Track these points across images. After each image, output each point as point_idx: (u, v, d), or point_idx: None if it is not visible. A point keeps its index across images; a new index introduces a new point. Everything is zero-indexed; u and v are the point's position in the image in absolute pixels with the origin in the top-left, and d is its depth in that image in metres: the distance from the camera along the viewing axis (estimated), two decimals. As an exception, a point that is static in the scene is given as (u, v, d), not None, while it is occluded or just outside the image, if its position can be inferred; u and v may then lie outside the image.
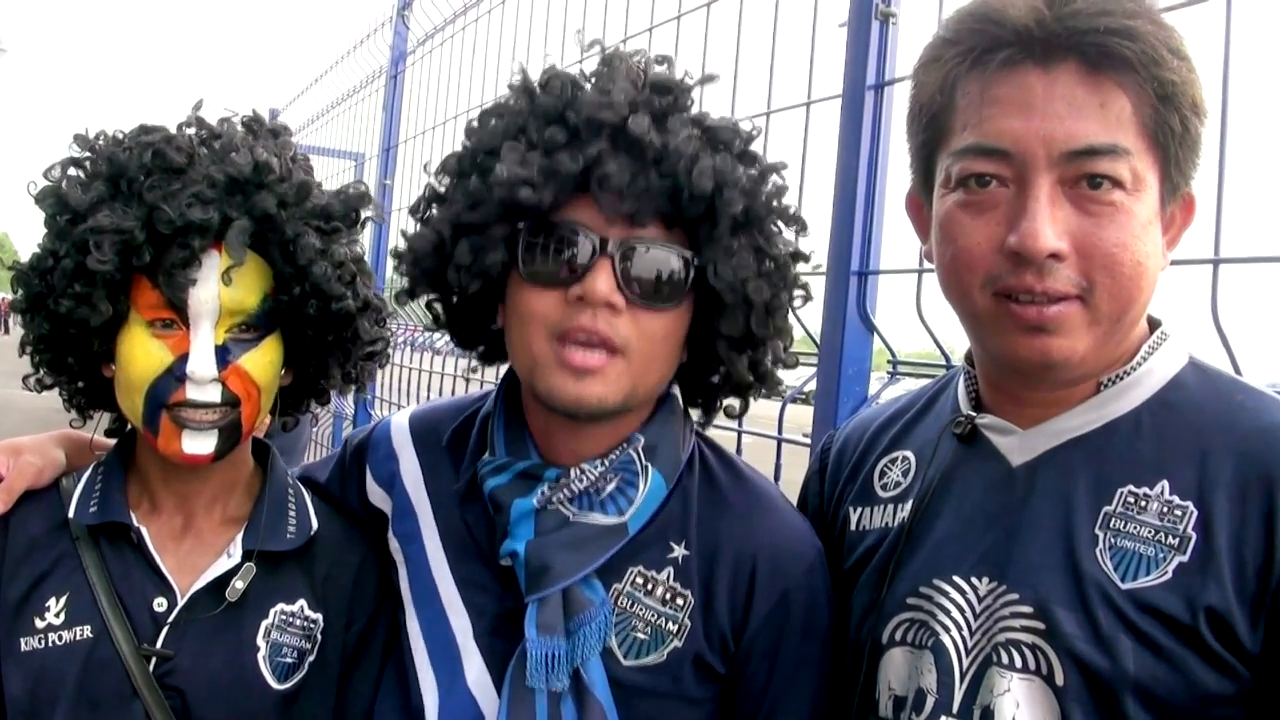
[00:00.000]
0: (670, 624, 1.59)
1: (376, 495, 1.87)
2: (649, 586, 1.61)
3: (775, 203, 1.62)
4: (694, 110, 1.60)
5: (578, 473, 1.60)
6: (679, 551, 1.63)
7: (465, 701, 1.61)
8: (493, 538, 1.64)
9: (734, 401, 1.78)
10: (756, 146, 1.63)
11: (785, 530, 1.69)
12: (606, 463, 1.62)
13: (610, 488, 1.61)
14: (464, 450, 1.78)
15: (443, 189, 1.67)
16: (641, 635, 1.59)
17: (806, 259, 1.70)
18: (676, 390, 1.75)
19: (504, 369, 1.77)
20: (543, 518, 1.59)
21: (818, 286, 2.48)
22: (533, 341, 1.54)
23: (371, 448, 1.91)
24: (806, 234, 1.71)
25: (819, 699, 1.66)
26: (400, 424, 1.90)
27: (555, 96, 1.55)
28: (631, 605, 1.60)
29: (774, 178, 1.62)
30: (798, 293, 1.70)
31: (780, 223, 1.64)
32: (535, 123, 1.55)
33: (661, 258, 1.54)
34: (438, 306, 1.77)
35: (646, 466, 1.63)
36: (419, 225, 1.69)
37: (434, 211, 1.68)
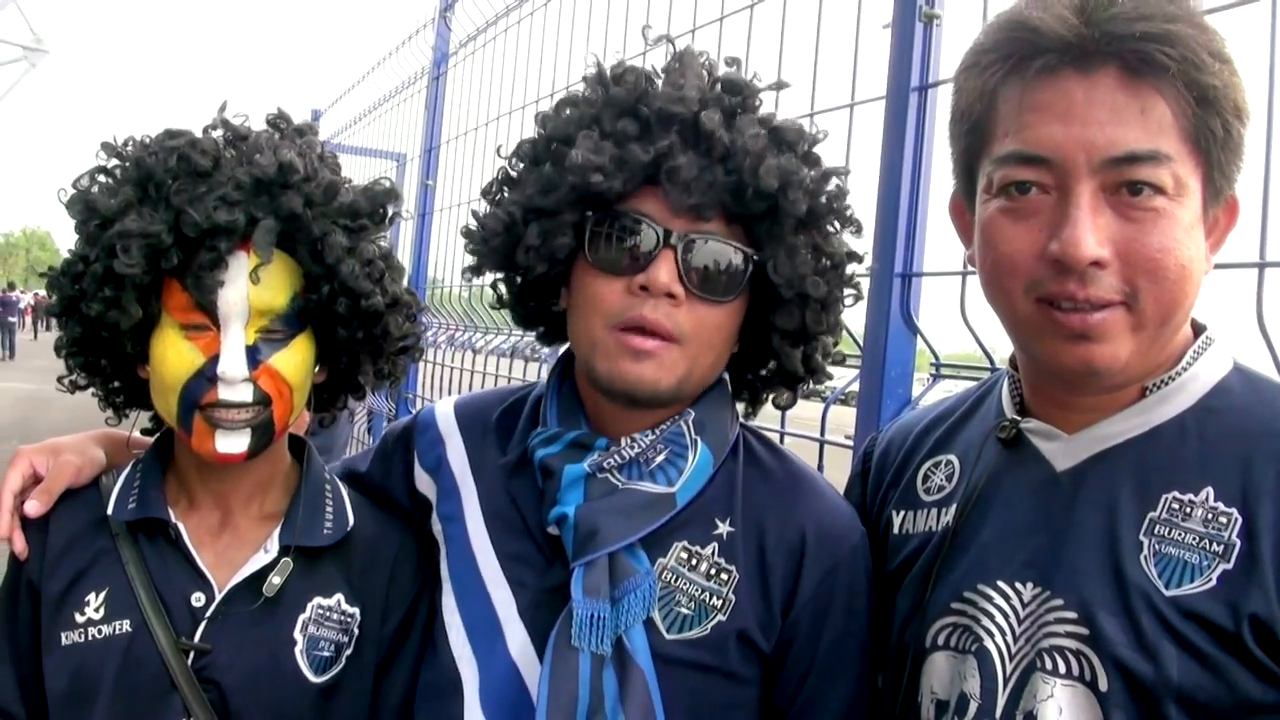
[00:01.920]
0: (714, 599, 1.61)
1: (423, 482, 1.90)
2: (693, 561, 1.63)
3: (836, 204, 1.67)
4: (761, 111, 1.65)
5: (628, 441, 1.65)
6: (724, 528, 1.65)
7: (507, 672, 1.63)
8: (540, 510, 1.67)
9: (782, 392, 1.81)
10: (819, 149, 1.68)
11: (831, 509, 1.72)
12: (657, 433, 1.66)
13: (660, 458, 1.65)
14: (513, 428, 1.82)
15: (515, 173, 1.73)
16: (685, 610, 1.61)
17: (861, 259, 1.74)
18: (727, 377, 1.78)
19: (544, 370, 1.79)
20: (592, 484, 1.63)
21: (862, 288, 2.47)
22: (594, 327, 1.60)
23: (419, 434, 1.93)
24: (861, 236, 1.75)
25: (862, 680, 1.67)
26: (445, 410, 1.93)
27: (629, 88, 1.61)
28: (675, 580, 1.62)
29: (835, 180, 1.67)
30: (849, 291, 1.74)
31: (838, 223, 1.69)
32: (609, 113, 1.61)
33: (723, 252, 1.59)
34: (502, 287, 1.82)
35: (696, 440, 1.67)
36: (491, 206, 1.74)
37: (506, 193, 1.73)
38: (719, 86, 1.63)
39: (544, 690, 1.54)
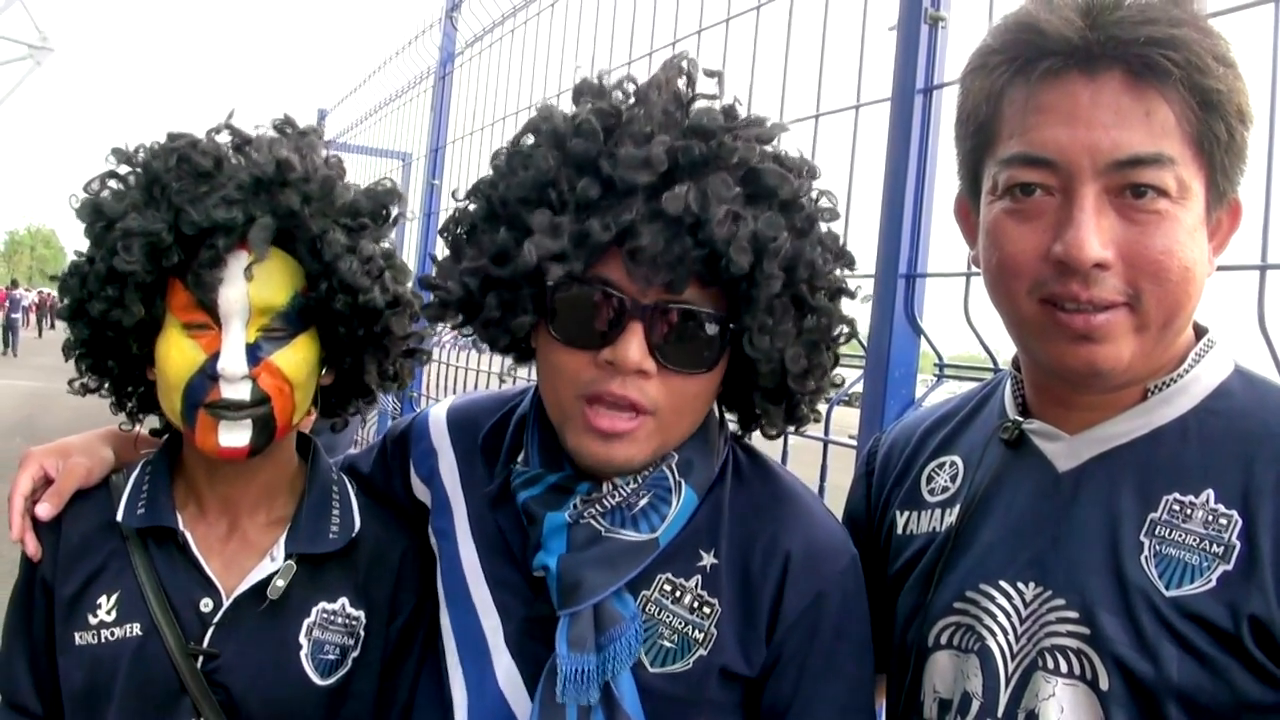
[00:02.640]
0: (697, 632, 1.57)
1: (419, 489, 1.89)
2: (677, 594, 1.59)
3: (822, 257, 1.53)
4: (745, 134, 1.50)
5: (610, 488, 1.58)
6: (708, 560, 1.61)
7: (495, 701, 1.61)
8: (525, 544, 1.63)
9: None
10: (809, 174, 1.57)
11: (819, 531, 1.66)
12: (639, 479, 1.59)
13: (643, 503, 1.58)
14: (499, 451, 1.77)
15: (470, 220, 1.61)
16: (668, 643, 1.57)
17: (852, 295, 1.66)
18: (714, 406, 1.70)
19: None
20: (575, 531, 1.57)
21: (866, 290, 2.47)
22: (561, 398, 1.54)
23: (414, 441, 1.90)
24: (854, 269, 1.66)
25: (849, 701, 1.62)
26: (439, 418, 1.89)
27: (587, 143, 1.46)
28: (659, 613, 1.58)
29: (821, 225, 1.56)
30: (842, 328, 1.64)
31: (828, 262, 1.56)
32: (566, 174, 1.47)
33: (696, 323, 1.50)
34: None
35: (680, 483, 1.60)
36: (448, 249, 1.65)
37: (464, 238, 1.62)
38: (691, 134, 1.46)
39: None
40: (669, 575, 1.60)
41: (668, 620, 1.58)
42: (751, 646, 1.59)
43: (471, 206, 1.61)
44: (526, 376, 2.01)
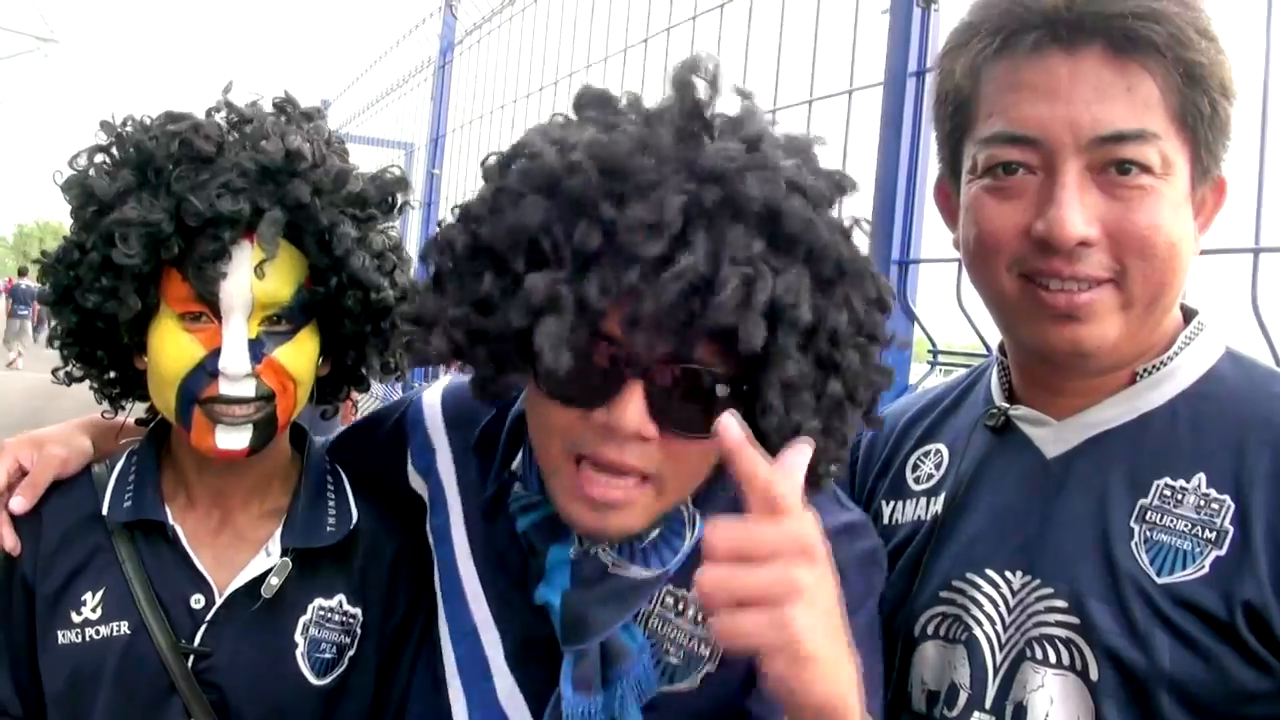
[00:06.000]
0: (703, 646, 1.48)
1: (416, 481, 1.82)
2: (680, 606, 1.50)
3: (849, 315, 1.30)
4: (761, 158, 1.26)
5: None
6: None
7: (495, 717, 1.56)
8: (525, 565, 1.53)
9: None
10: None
11: (839, 520, 1.54)
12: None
13: (653, 536, 1.45)
14: (493, 453, 1.64)
15: (455, 252, 1.36)
16: (673, 659, 1.49)
17: (887, 343, 1.40)
18: None
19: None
20: (580, 567, 1.44)
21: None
22: (551, 452, 1.37)
23: (410, 431, 1.82)
24: (891, 312, 1.40)
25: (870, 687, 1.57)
26: (433, 407, 1.78)
27: (584, 187, 1.23)
28: (662, 627, 1.49)
29: (852, 261, 1.31)
30: (877, 381, 1.39)
31: (860, 308, 1.32)
32: (562, 216, 1.24)
33: (703, 387, 1.30)
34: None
35: (694, 516, 1.46)
36: (430, 276, 1.42)
37: (448, 268, 1.38)
38: (705, 177, 1.22)
39: None
40: (670, 587, 1.49)
41: (672, 635, 1.49)
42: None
43: (457, 237, 1.36)
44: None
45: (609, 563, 1.44)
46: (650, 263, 1.19)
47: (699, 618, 1.49)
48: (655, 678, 1.45)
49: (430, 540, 1.74)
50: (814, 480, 1.37)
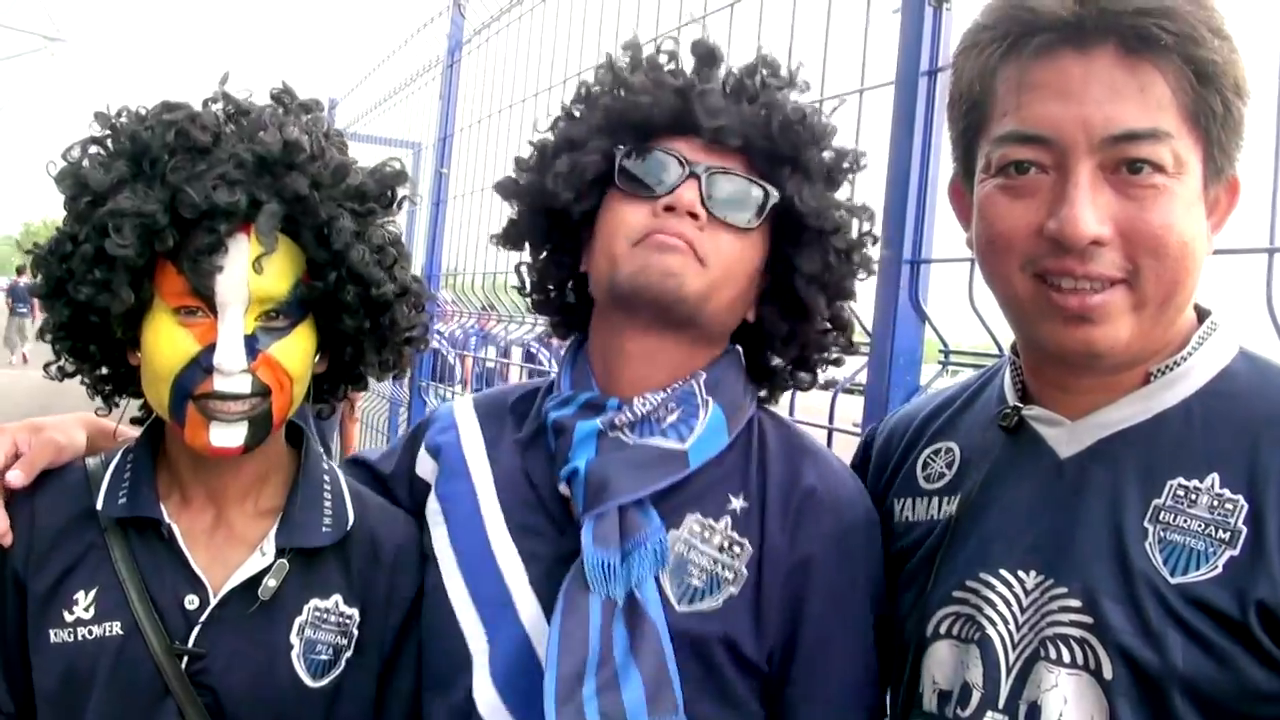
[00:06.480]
0: (727, 571, 1.62)
1: (425, 465, 1.89)
2: (706, 534, 1.64)
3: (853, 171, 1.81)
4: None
5: (640, 400, 1.67)
6: (737, 503, 1.66)
7: (519, 641, 1.63)
8: (553, 480, 1.69)
9: (802, 375, 1.85)
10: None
11: (845, 481, 1.74)
12: (668, 392, 1.68)
13: (672, 417, 1.67)
14: (529, 410, 1.84)
15: (574, 115, 1.83)
16: (697, 582, 1.61)
17: (875, 240, 1.84)
18: (739, 349, 1.83)
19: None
20: (604, 441, 1.65)
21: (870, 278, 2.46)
22: (617, 246, 1.65)
23: (430, 424, 1.96)
24: (874, 221, 1.84)
25: (868, 641, 1.66)
26: (464, 400, 1.96)
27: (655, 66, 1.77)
28: (688, 551, 1.62)
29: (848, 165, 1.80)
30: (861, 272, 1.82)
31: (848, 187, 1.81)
32: (650, 56, 1.78)
33: (744, 185, 1.68)
34: (524, 269, 1.91)
35: (707, 400, 1.69)
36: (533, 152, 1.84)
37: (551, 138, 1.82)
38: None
39: (554, 638, 1.54)
40: (698, 516, 1.65)
41: (696, 560, 1.62)
42: (782, 588, 1.62)
43: (549, 136, 1.83)
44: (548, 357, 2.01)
45: (631, 440, 1.66)
46: (713, 69, 1.77)
47: (723, 545, 1.64)
48: (669, 556, 1.61)
49: (435, 508, 1.84)
50: (845, 330, 1.85)
